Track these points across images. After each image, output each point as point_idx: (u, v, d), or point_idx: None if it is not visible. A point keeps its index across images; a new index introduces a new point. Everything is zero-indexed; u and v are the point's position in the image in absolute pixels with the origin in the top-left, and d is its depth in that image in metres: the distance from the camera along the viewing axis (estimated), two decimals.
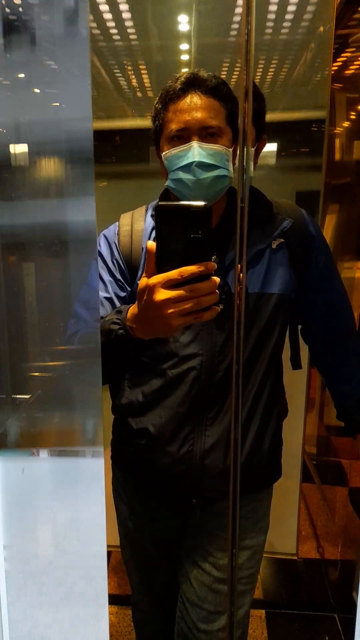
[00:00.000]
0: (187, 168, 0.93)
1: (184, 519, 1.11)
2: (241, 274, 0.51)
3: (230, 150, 0.96)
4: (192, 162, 0.92)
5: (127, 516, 1.17)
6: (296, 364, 1.17)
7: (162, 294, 0.75)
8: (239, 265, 0.51)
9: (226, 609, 1.07)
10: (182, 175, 0.93)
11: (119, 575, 1.77)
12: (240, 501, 0.77)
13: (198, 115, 0.92)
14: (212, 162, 0.92)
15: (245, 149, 0.44)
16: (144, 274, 0.77)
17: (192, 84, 0.93)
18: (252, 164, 1.04)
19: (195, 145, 0.92)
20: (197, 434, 1.00)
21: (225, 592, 1.07)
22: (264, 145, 1.08)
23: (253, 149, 1.04)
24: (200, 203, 0.72)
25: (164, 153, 0.96)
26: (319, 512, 1.96)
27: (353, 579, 1.74)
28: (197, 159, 0.92)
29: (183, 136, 0.94)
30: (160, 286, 0.75)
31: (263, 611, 1.75)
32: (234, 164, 0.98)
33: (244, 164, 0.44)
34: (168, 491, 1.07)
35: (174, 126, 0.94)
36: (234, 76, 1.49)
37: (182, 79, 0.94)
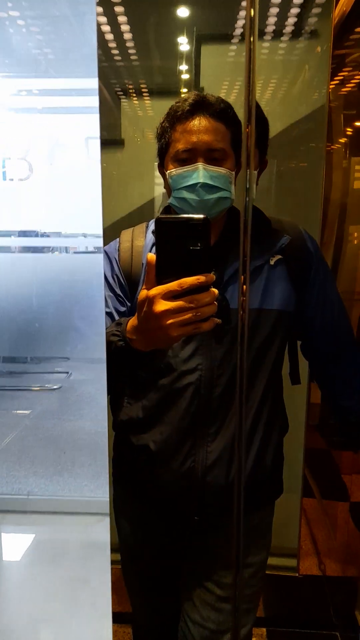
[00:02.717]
0: (191, 188, 0.95)
1: (186, 537, 1.10)
2: (244, 286, 0.52)
3: (233, 173, 0.98)
4: (197, 183, 0.94)
5: (128, 533, 1.16)
6: (295, 379, 1.18)
7: (161, 305, 0.75)
8: (242, 277, 0.52)
9: (229, 627, 1.05)
10: (187, 194, 0.95)
11: (119, 593, 1.75)
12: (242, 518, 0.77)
13: (205, 137, 0.94)
14: (216, 184, 0.94)
15: (248, 170, 0.45)
16: (143, 286, 0.78)
17: (200, 106, 0.95)
18: (254, 185, 1.06)
19: (200, 167, 0.94)
20: (199, 449, 1.00)
21: (228, 610, 1.05)
22: (265, 167, 1.10)
23: (255, 172, 1.05)
24: (200, 216, 0.73)
25: (169, 172, 0.98)
26: (320, 527, 1.94)
27: (355, 596, 1.73)
28: (201, 180, 0.93)
29: (189, 156, 0.95)
30: (160, 297, 0.75)
31: (264, 629, 1.73)
32: (235, 186, 0.99)
33: (247, 185, 0.45)
34: (170, 508, 1.06)
35: (181, 146, 0.95)
36: (232, 96, 1.51)
37: (190, 100, 0.96)
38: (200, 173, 0.94)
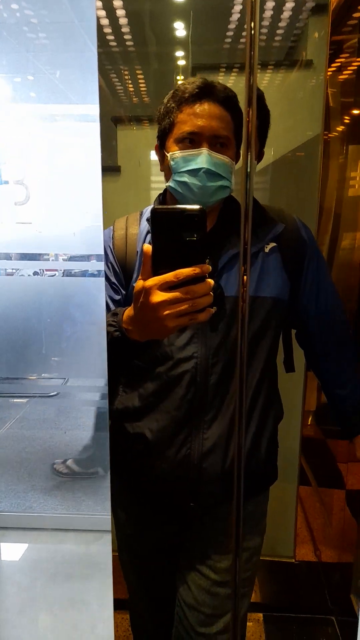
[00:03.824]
0: (194, 173, 0.94)
1: (182, 523, 1.11)
2: (245, 277, 0.52)
3: (234, 163, 0.97)
4: (200, 168, 0.93)
5: (124, 521, 1.17)
6: (289, 367, 1.18)
7: (158, 296, 0.75)
8: (243, 268, 0.52)
9: (224, 611, 1.07)
10: (189, 179, 0.94)
11: (117, 580, 1.77)
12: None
13: (212, 123, 0.93)
14: (218, 171, 0.93)
15: (249, 155, 0.45)
16: (139, 277, 0.78)
17: (209, 91, 0.94)
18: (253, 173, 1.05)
19: (205, 152, 0.93)
20: (195, 437, 1.00)
21: (223, 595, 1.07)
22: (262, 158, 1.09)
23: (256, 163, 1.05)
24: (195, 207, 0.73)
25: (171, 153, 0.96)
26: (315, 515, 1.96)
27: (350, 581, 1.75)
28: (205, 165, 0.93)
29: (194, 140, 0.94)
30: (157, 288, 0.75)
31: (261, 614, 1.75)
32: (234, 176, 0.99)
33: (248, 169, 0.44)
34: (166, 495, 1.07)
35: (187, 128, 0.94)
36: (229, 82, 1.50)
37: (198, 83, 0.94)
38: (204, 158, 0.93)
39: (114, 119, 1.63)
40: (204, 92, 0.94)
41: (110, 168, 1.65)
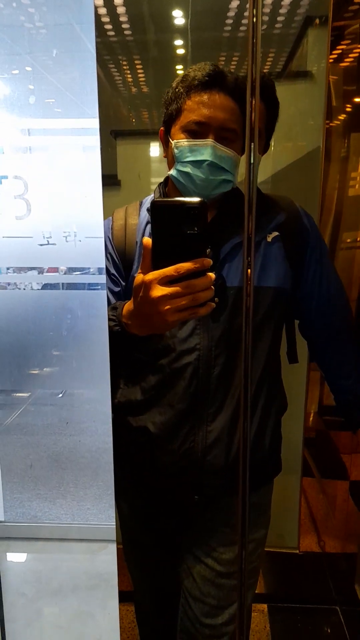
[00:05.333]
0: (198, 164, 0.92)
1: (186, 516, 1.11)
2: (249, 270, 0.51)
3: (239, 157, 0.95)
4: (204, 160, 0.91)
5: (128, 515, 1.17)
6: (292, 358, 1.17)
7: (158, 291, 0.74)
8: (247, 259, 0.51)
9: (229, 603, 1.07)
10: (192, 170, 0.92)
11: (122, 572, 1.78)
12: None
13: (220, 115, 0.91)
14: (223, 165, 0.92)
15: (252, 145, 0.44)
16: (139, 271, 0.77)
17: (219, 81, 0.91)
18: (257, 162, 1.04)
19: (212, 144, 0.91)
20: (198, 430, 1.00)
21: (228, 586, 1.07)
22: (267, 150, 1.08)
23: (261, 156, 1.03)
24: (196, 199, 0.72)
25: (177, 141, 0.94)
26: (319, 506, 1.97)
27: (354, 571, 1.76)
28: (210, 158, 0.91)
29: (200, 130, 0.92)
30: (157, 282, 0.74)
31: (265, 605, 1.76)
32: (238, 169, 0.97)
33: (252, 160, 0.43)
34: (169, 489, 1.07)
35: (194, 117, 0.92)
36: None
37: (208, 70, 0.91)
38: (210, 150, 0.91)
39: (113, 133, 1.62)
40: (214, 81, 0.91)
41: (110, 181, 1.64)
